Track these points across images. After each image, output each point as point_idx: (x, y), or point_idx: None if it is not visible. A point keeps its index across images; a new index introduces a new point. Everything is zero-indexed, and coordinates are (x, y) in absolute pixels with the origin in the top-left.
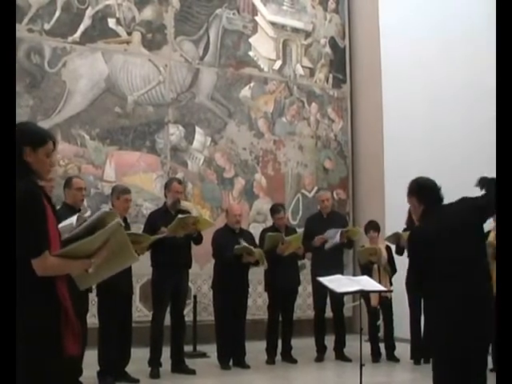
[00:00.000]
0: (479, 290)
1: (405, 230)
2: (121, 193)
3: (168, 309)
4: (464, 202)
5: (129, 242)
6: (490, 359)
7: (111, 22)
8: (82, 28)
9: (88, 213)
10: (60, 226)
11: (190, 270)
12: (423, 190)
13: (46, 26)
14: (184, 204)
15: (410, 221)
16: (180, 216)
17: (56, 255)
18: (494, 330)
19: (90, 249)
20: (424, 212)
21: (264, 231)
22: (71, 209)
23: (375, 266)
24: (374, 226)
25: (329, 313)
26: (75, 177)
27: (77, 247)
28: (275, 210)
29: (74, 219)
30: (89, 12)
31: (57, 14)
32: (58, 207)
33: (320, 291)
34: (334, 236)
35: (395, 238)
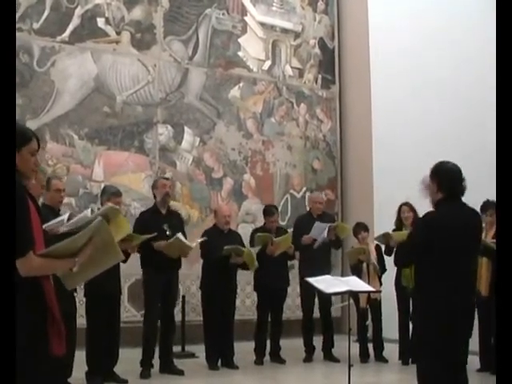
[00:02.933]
0: (470, 296)
1: (394, 230)
2: (112, 195)
3: None
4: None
5: (114, 239)
6: (477, 359)
7: (100, 22)
8: (71, 27)
9: (87, 211)
10: (51, 222)
11: (179, 271)
12: (447, 177)
13: (35, 25)
14: (173, 204)
15: (398, 221)
16: (180, 238)
17: (40, 255)
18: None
19: (73, 248)
20: (441, 201)
21: (254, 231)
22: (50, 210)
23: (364, 266)
24: (363, 227)
25: (317, 313)
26: (54, 178)
27: (60, 247)
28: (269, 211)
29: (65, 216)
30: (78, 11)
31: (46, 13)
32: None
33: (308, 292)
34: (321, 232)
35: (385, 238)
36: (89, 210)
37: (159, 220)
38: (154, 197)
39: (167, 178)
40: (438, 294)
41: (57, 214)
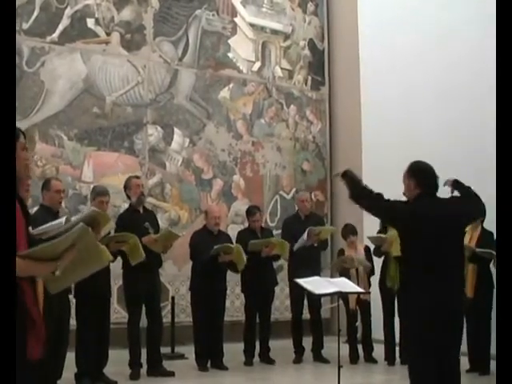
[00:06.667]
0: (454, 295)
1: (379, 231)
2: (97, 195)
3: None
4: (455, 203)
5: (98, 245)
6: (466, 360)
7: (90, 22)
8: (60, 28)
9: (62, 218)
10: (48, 224)
11: (169, 272)
12: (423, 175)
13: (25, 26)
14: (162, 205)
15: (384, 224)
16: (169, 228)
17: (20, 256)
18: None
19: (55, 251)
20: (418, 196)
21: (240, 233)
22: (49, 211)
23: (353, 270)
24: (352, 231)
25: (306, 314)
26: (54, 179)
27: (41, 249)
28: (250, 212)
29: (62, 220)
30: (68, 12)
31: (35, 13)
32: (35, 209)
33: (297, 293)
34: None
35: (379, 240)
36: (63, 218)
37: (139, 219)
38: (128, 197)
39: (138, 177)
40: (425, 289)
41: (55, 214)
